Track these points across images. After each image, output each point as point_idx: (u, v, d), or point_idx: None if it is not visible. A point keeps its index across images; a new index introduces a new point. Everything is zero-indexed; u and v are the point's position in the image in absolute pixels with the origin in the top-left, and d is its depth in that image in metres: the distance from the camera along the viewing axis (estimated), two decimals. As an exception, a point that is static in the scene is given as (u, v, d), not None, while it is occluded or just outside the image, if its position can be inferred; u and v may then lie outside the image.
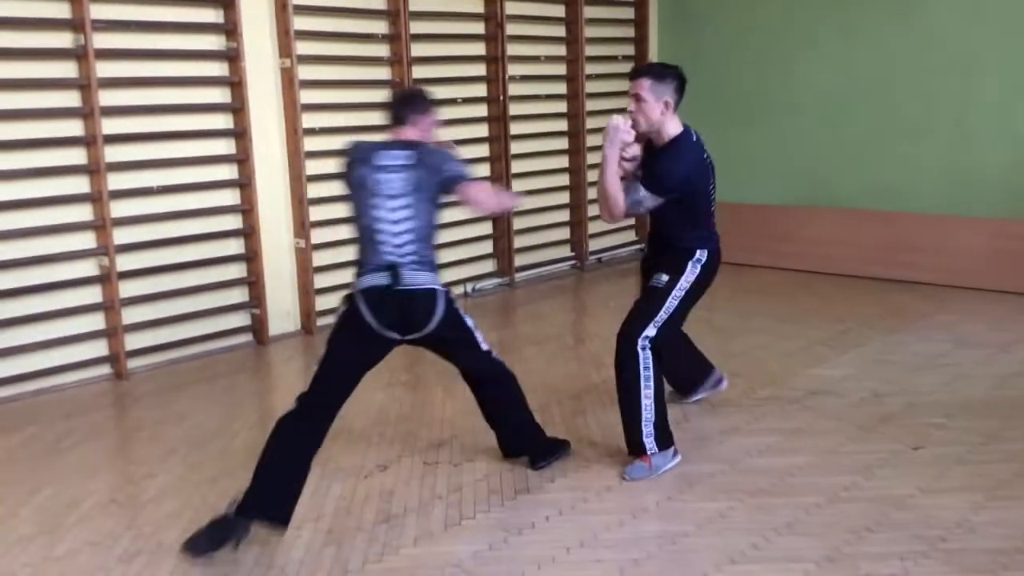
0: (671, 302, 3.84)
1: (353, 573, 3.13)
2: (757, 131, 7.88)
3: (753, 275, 7.49)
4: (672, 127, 3.84)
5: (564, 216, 8.01)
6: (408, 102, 3.62)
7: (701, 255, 3.93)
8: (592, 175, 8.01)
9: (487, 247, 7.45)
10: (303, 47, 5.96)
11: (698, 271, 3.91)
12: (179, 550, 3.22)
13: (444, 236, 6.94)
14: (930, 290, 6.80)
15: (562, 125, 7.86)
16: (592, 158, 8.02)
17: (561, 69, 7.80)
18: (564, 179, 7.96)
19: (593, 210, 8.11)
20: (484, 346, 3.77)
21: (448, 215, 6.91)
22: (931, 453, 3.95)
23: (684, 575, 3.05)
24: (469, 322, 3.70)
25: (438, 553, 3.25)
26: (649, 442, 3.83)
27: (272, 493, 3.30)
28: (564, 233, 8.04)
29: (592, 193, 8.02)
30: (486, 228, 7.39)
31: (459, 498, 3.67)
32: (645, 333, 3.81)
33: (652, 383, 3.81)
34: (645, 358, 3.79)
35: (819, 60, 7.62)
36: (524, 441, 3.96)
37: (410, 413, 4.64)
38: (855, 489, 3.64)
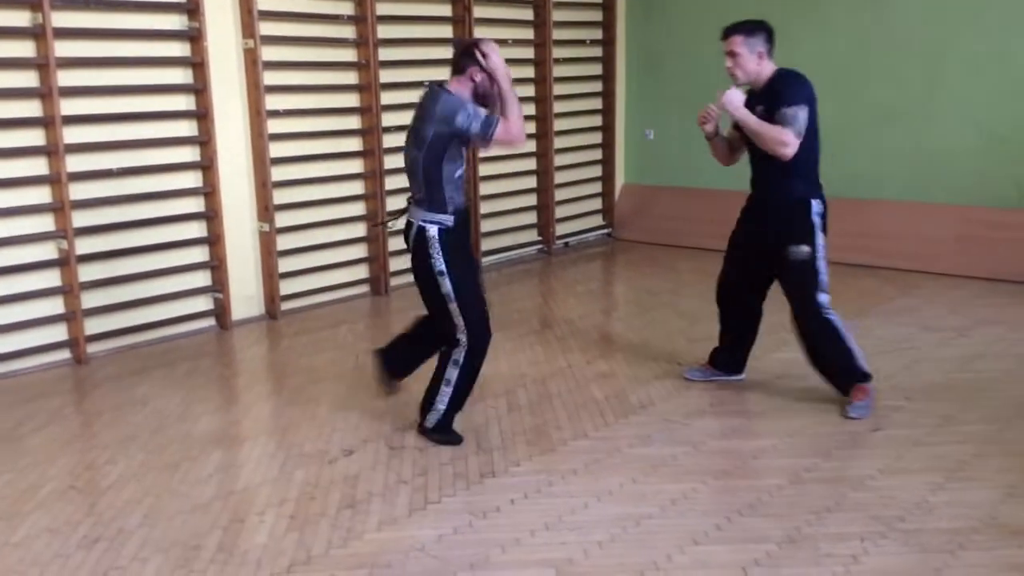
0: (820, 264, 4.15)
1: (317, 558, 3.11)
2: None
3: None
4: (769, 70, 4.14)
5: (531, 200, 7.99)
6: (468, 51, 3.82)
7: (818, 207, 4.15)
8: (559, 159, 8.03)
9: (454, 231, 7.41)
10: (267, 27, 5.89)
11: (822, 224, 4.17)
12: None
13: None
14: (894, 275, 6.89)
15: (529, 110, 7.82)
16: (560, 142, 8.02)
17: (529, 53, 7.77)
18: (531, 163, 7.94)
19: (560, 194, 8.12)
20: (457, 318, 3.78)
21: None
22: (890, 435, 4.01)
23: (647, 556, 3.07)
24: (445, 274, 3.73)
25: (402, 537, 3.24)
26: (868, 370, 4.22)
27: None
28: (531, 217, 8.03)
29: (560, 177, 8.07)
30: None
31: (424, 482, 3.66)
32: (819, 302, 4.17)
33: (846, 331, 4.21)
34: (832, 319, 4.18)
35: (787, 46, 7.57)
36: (426, 401, 4.01)
37: (376, 398, 4.61)
38: (816, 470, 3.68)
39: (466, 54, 3.80)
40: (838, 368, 4.27)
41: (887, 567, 2.97)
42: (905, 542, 3.12)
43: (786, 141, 3.99)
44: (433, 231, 3.74)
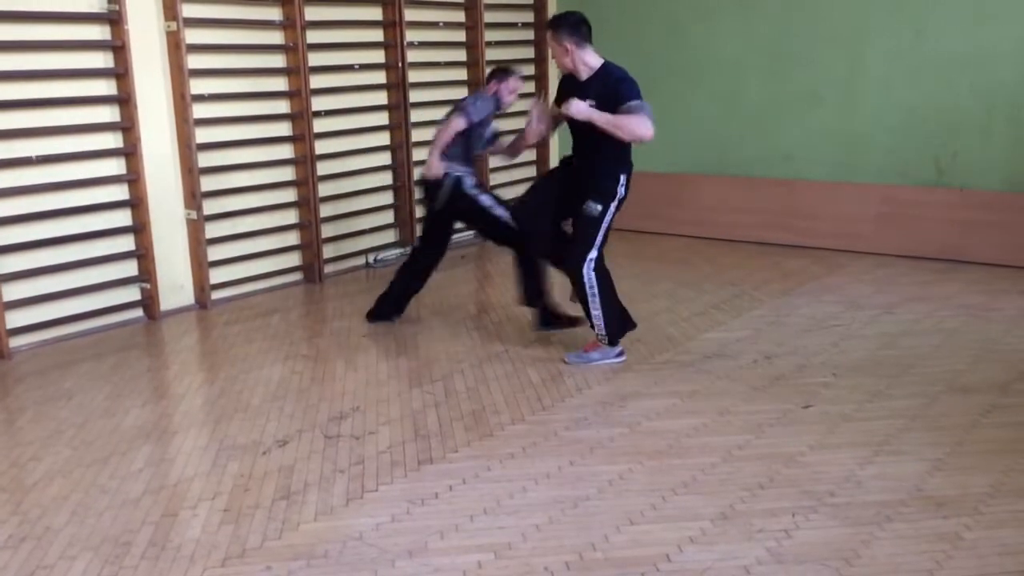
0: (604, 225, 4.51)
1: (252, 551, 3.07)
2: (656, 98, 7.82)
3: (653, 242, 7.62)
4: (591, 60, 4.39)
5: (466, 185, 7.95)
6: (495, 72, 5.26)
7: (623, 178, 4.53)
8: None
9: (388, 217, 7.35)
10: (189, 9, 5.74)
11: (622, 194, 4.54)
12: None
13: (345, 207, 6.85)
14: (821, 254, 7.03)
15: (462, 93, 7.75)
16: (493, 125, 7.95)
17: (460, 36, 7.72)
18: (465, 147, 7.87)
19: (494, 178, 8.10)
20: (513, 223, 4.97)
21: (351, 184, 6.73)
22: (820, 411, 4.10)
23: (585, 537, 3.09)
24: (484, 200, 5.13)
25: (339, 527, 3.21)
26: (601, 335, 4.67)
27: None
28: (466, 202, 7.97)
29: (494, 161, 8.02)
30: (387, 198, 7.30)
31: (361, 471, 3.63)
32: (589, 257, 4.52)
33: (598, 294, 4.57)
34: (590, 278, 4.54)
35: (716, 29, 7.73)
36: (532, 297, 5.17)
37: (310, 387, 4.57)
38: (748, 448, 3.75)
39: (491, 76, 5.31)
40: (586, 314, 4.67)
41: (818, 540, 3.04)
42: (834, 515, 3.19)
43: (646, 124, 4.28)
44: (468, 179, 5.12)
